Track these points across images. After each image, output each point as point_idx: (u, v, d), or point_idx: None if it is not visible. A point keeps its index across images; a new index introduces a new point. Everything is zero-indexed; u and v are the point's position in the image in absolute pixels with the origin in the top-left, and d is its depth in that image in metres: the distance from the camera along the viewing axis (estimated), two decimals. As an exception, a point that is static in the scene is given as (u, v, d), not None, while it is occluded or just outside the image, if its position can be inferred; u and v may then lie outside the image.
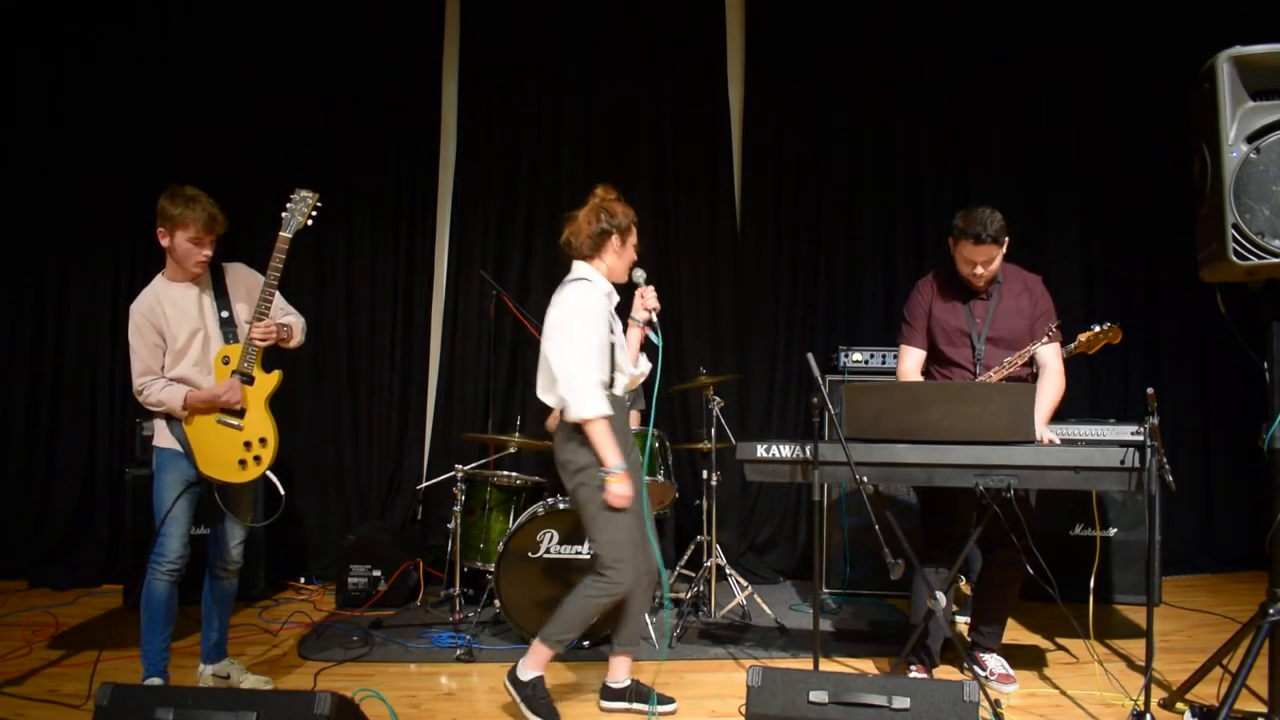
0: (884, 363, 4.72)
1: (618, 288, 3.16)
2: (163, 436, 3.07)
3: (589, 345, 2.93)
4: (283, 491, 3.12)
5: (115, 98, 5.07)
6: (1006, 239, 3.22)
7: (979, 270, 3.23)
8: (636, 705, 3.06)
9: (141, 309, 3.03)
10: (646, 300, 3.14)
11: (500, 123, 5.34)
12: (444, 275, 5.35)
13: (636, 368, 3.20)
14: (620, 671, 3.12)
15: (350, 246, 5.28)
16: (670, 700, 3.12)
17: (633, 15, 5.37)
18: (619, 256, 3.08)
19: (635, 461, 3.09)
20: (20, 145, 5.08)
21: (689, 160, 5.41)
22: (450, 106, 5.40)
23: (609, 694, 3.12)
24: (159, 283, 3.09)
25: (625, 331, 3.16)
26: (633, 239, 3.10)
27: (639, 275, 3.15)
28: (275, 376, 3.08)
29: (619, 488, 2.89)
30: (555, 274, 3.23)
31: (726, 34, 5.46)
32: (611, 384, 3.02)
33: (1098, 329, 3.33)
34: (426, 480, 5.05)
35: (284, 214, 3.07)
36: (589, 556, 3.64)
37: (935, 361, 3.44)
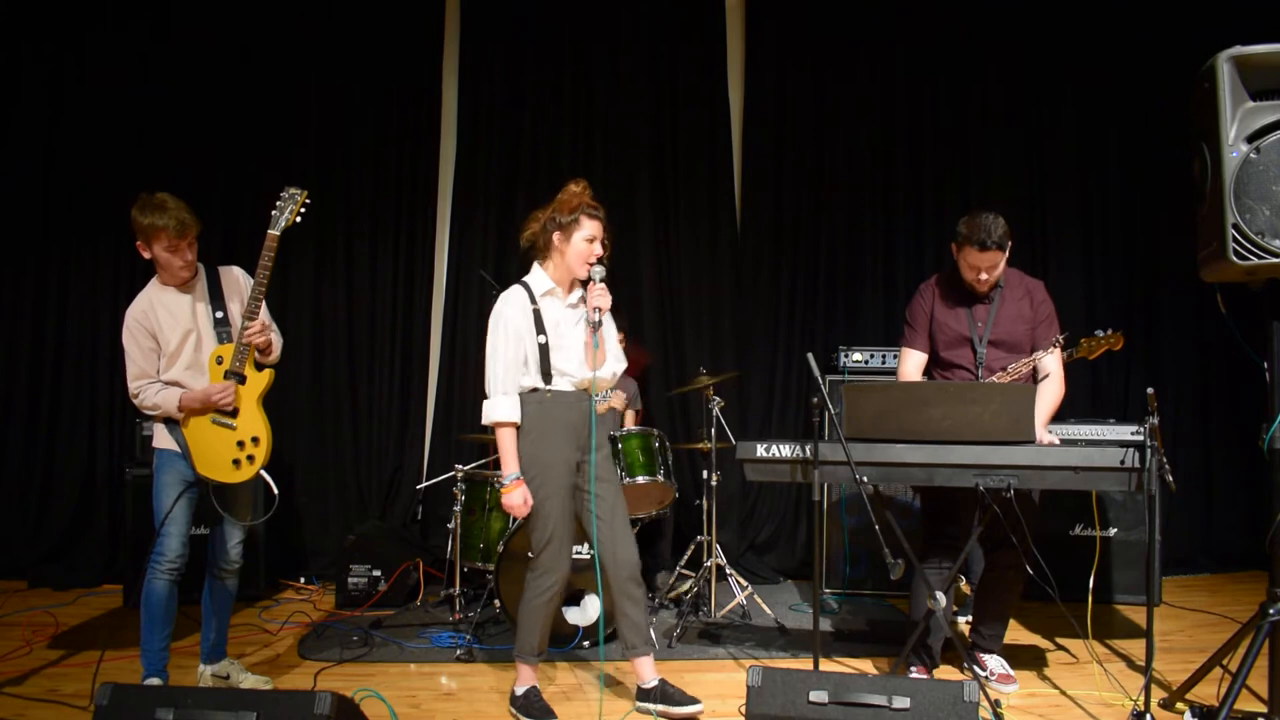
0: (884, 363, 4.72)
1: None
2: (161, 438, 3.09)
3: (497, 353, 3.03)
4: (275, 491, 3.12)
5: (116, 99, 5.07)
6: (1010, 243, 3.23)
7: (983, 276, 3.25)
8: (658, 706, 3.06)
9: (135, 314, 3.04)
10: (592, 297, 3.04)
11: (500, 123, 5.34)
12: (444, 275, 5.36)
13: (602, 369, 3.07)
14: (645, 672, 3.12)
15: (350, 247, 5.29)
16: (694, 701, 3.07)
17: (633, 16, 5.37)
18: (563, 255, 3.04)
19: (606, 460, 3.16)
20: (21, 146, 5.07)
21: (689, 161, 5.41)
22: (450, 106, 5.40)
23: (639, 695, 3.14)
24: (153, 287, 3.10)
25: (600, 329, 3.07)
26: (583, 232, 3.00)
27: (596, 272, 3.04)
28: (267, 375, 3.08)
29: (506, 498, 2.99)
30: (555, 273, 3.21)
31: (726, 34, 5.46)
32: (548, 381, 3.03)
33: (1101, 335, 3.33)
34: (426, 480, 5.05)
35: (273, 212, 3.07)
36: (588, 556, 3.65)
37: (936, 364, 3.45)
